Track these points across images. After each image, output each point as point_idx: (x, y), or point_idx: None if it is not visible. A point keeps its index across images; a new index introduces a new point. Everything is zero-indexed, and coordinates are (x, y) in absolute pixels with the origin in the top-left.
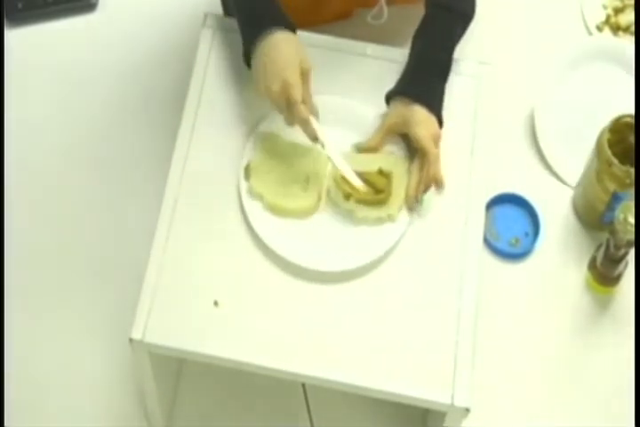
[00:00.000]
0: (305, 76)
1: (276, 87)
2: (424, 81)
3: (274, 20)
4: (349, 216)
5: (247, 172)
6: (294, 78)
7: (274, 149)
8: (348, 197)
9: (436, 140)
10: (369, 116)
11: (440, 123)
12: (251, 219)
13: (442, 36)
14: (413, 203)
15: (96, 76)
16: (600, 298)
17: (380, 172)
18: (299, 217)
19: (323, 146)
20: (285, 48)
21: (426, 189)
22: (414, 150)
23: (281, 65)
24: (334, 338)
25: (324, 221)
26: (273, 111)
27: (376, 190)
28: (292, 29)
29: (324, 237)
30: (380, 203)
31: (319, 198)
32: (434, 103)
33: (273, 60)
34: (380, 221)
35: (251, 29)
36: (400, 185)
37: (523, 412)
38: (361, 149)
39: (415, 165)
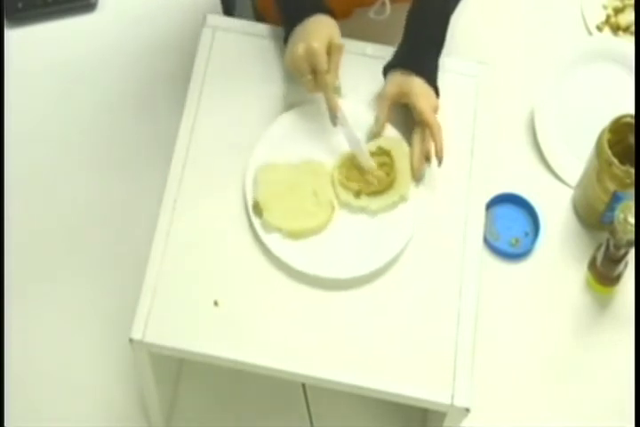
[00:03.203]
0: (334, 50)
1: (301, 51)
2: (420, 54)
3: (312, 8)
4: (365, 212)
5: (257, 210)
6: (318, 45)
7: (274, 178)
8: (358, 194)
9: (435, 110)
10: (367, 119)
11: (437, 93)
12: (276, 252)
13: (436, 10)
14: (419, 174)
15: (96, 75)
16: (600, 298)
17: (380, 149)
18: (318, 232)
19: (342, 123)
20: (317, 25)
21: (428, 160)
22: (412, 123)
23: (309, 33)
24: (334, 338)
25: (341, 227)
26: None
27: (381, 170)
28: (330, 15)
29: (340, 243)
30: (389, 187)
31: (332, 207)
32: (430, 75)
33: (303, 32)
34: (394, 205)
35: (290, 17)
36: (404, 165)
37: (523, 412)
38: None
39: (417, 137)
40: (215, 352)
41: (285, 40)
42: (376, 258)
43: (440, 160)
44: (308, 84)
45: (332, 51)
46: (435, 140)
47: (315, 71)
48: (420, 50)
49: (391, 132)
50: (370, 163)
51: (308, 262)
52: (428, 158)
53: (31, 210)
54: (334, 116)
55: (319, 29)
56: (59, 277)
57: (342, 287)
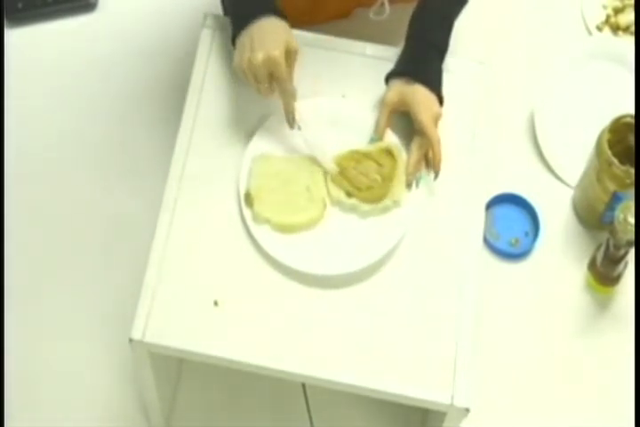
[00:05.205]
0: (290, 55)
1: (260, 57)
2: (423, 61)
3: (264, 8)
4: (355, 211)
5: (249, 199)
6: (279, 53)
7: (269, 170)
8: (350, 195)
9: (437, 119)
10: (367, 119)
11: (440, 101)
12: (263, 244)
13: (439, 16)
14: (412, 180)
15: (96, 76)
16: (600, 298)
17: (387, 150)
18: (308, 228)
19: (300, 128)
20: (273, 29)
21: (427, 165)
22: (413, 130)
23: (267, 40)
24: (334, 338)
25: (332, 225)
26: (269, 117)
27: (382, 171)
28: (282, 17)
29: (331, 240)
30: (381, 197)
31: (324, 204)
32: (433, 82)
33: (260, 36)
34: (386, 209)
35: (240, 17)
36: (401, 171)
37: (523, 412)
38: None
39: (415, 144)
40: (215, 352)
41: (233, 40)
42: (365, 256)
43: (436, 174)
44: (264, 91)
45: (288, 56)
46: (433, 153)
47: (272, 78)
48: (423, 57)
49: (391, 139)
50: (331, 166)
51: (295, 257)
52: (427, 163)
53: (31, 210)
54: (292, 121)
55: (276, 33)
56: (59, 277)
57: (339, 286)
